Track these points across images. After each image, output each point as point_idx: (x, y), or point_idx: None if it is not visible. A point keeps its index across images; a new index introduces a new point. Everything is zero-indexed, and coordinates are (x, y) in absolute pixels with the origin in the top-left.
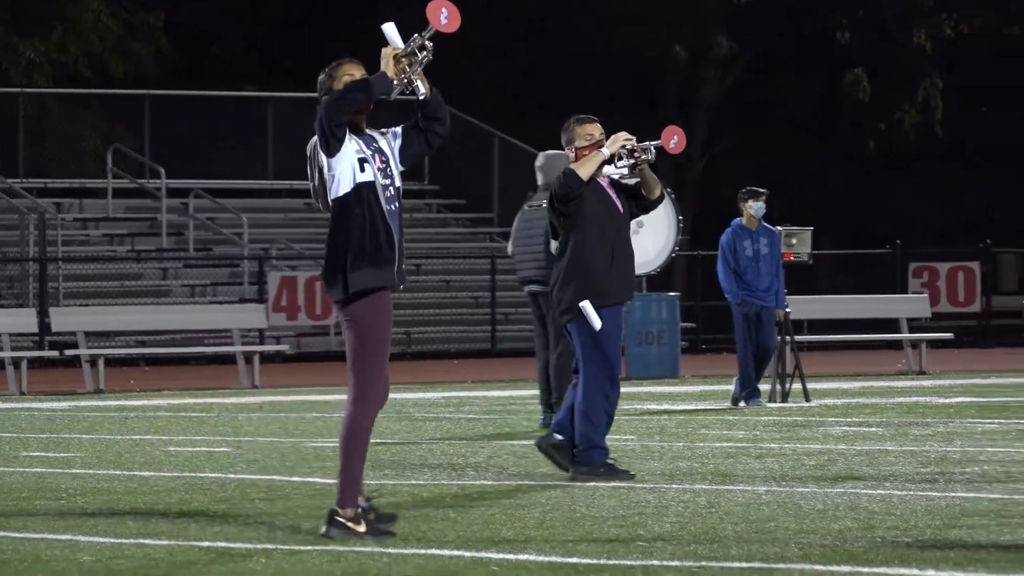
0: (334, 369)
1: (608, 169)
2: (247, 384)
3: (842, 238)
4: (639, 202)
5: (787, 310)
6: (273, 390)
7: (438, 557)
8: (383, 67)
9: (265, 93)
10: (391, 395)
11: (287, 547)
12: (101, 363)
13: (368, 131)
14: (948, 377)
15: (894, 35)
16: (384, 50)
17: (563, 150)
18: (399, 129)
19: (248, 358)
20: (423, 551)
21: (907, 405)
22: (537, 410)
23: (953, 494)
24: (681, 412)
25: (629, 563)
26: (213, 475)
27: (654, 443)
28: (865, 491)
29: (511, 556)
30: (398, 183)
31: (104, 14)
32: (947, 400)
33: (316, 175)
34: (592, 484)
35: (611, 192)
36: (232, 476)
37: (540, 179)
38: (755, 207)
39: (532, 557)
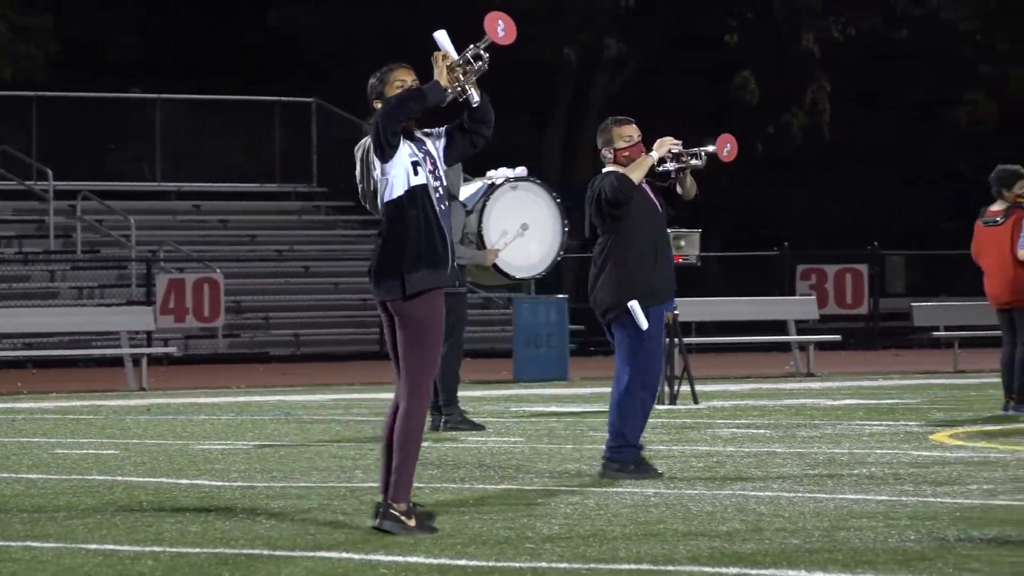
0: (222, 371)
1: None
2: (135, 386)
3: (730, 240)
4: (672, 201)
5: (675, 312)
6: (161, 392)
7: (327, 559)
8: (436, 76)
9: (152, 95)
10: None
11: (175, 549)
12: None
13: (417, 134)
14: (836, 379)
15: (783, 38)
16: (436, 56)
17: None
18: (443, 130)
19: (136, 360)
20: (312, 553)
21: (795, 407)
22: None
23: (841, 496)
24: (569, 414)
25: (518, 565)
26: (101, 478)
27: (543, 445)
28: (753, 493)
29: (400, 559)
30: (445, 183)
31: None
32: (835, 402)
33: (367, 178)
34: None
35: (651, 193)
36: (120, 479)
37: None
38: None
39: (421, 559)
